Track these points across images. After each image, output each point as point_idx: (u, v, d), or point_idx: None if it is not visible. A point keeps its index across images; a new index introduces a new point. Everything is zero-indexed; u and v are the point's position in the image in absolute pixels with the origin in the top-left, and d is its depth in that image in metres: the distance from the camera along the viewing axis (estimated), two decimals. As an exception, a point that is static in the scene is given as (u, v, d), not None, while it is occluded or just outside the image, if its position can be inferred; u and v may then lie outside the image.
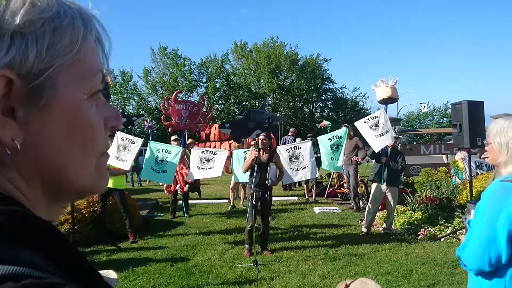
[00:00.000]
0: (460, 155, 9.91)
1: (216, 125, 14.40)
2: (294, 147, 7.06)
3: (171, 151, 7.39)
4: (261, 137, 6.03)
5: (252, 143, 6.09)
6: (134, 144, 6.95)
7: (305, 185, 10.85)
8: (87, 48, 0.49)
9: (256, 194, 5.78)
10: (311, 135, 11.53)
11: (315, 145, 7.82)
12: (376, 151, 6.78)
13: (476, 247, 1.74)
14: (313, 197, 10.53)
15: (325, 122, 10.72)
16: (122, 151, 6.86)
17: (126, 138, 6.99)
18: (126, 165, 6.85)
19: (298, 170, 6.97)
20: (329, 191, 11.04)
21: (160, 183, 9.51)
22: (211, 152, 7.40)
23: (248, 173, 6.08)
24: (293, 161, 6.95)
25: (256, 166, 5.86)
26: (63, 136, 0.47)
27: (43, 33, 0.44)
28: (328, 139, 7.00)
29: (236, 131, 7.64)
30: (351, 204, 9.36)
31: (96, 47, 0.52)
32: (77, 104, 0.48)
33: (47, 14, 0.45)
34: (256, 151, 5.86)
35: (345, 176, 10.16)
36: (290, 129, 12.62)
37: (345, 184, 10.22)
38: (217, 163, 7.22)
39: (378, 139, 6.62)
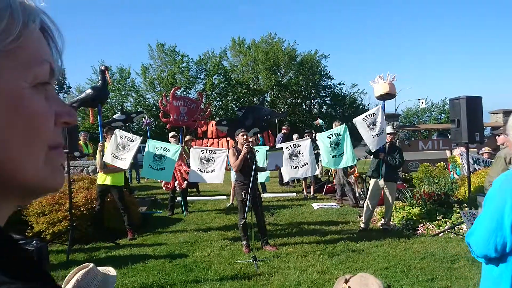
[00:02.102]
0: (458, 151, 9.93)
1: (213, 122, 14.40)
2: (293, 145, 7.07)
3: (170, 149, 7.37)
4: (243, 133, 6.07)
5: (242, 138, 6.08)
6: (133, 143, 6.92)
7: (303, 181, 10.86)
8: (28, 36, 0.47)
9: (246, 190, 5.79)
10: (309, 131, 11.51)
11: (314, 141, 7.83)
12: (373, 150, 6.79)
13: (483, 233, 1.80)
14: (312, 193, 10.55)
15: (319, 121, 10.75)
16: (121, 150, 6.83)
17: (125, 137, 6.96)
18: (125, 164, 6.83)
19: (298, 168, 6.99)
20: (327, 187, 11.05)
21: (159, 180, 9.50)
22: (210, 151, 7.36)
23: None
24: (293, 159, 6.96)
25: (244, 163, 5.92)
26: (2, 124, 0.44)
27: None
28: (327, 137, 7.00)
29: (233, 129, 7.63)
30: (350, 200, 9.37)
31: (44, 38, 0.50)
32: (18, 91, 0.46)
33: None
34: (247, 146, 5.88)
35: (333, 170, 10.15)
36: (283, 127, 12.55)
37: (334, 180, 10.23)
38: (217, 164, 7.18)
39: (375, 138, 6.63)
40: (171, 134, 9.15)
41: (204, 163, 7.21)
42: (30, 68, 0.47)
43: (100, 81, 7.61)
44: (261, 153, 6.82)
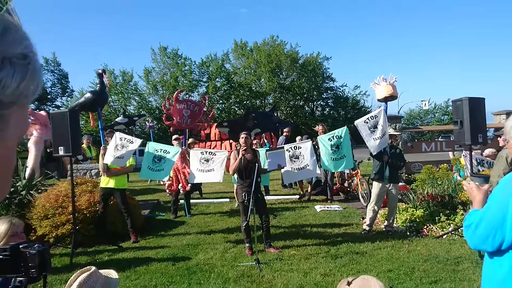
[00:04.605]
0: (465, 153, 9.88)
1: (216, 124, 14.42)
2: (294, 146, 7.04)
3: (170, 151, 7.39)
4: (243, 136, 6.06)
5: (241, 141, 6.07)
6: (132, 144, 6.93)
7: (303, 183, 10.83)
8: None
9: (247, 193, 5.78)
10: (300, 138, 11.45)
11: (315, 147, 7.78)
12: (374, 154, 6.77)
13: (483, 227, 1.83)
14: (301, 193, 10.52)
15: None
16: (119, 150, 6.85)
17: (125, 138, 6.97)
18: (123, 162, 6.83)
19: (299, 170, 6.96)
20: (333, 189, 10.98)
21: (162, 182, 9.51)
22: (210, 153, 7.37)
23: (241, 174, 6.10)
24: (294, 161, 6.93)
25: (243, 166, 5.91)
26: None
27: (26, 69, 0.44)
28: (328, 139, 6.98)
29: (234, 130, 7.62)
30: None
31: None
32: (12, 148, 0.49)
33: (34, 52, 0.45)
34: (243, 150, 5.87)
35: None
36: (284, 129, 12.52)
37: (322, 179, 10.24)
38: (216, 164, 7.17)
39: (376, 141, 6.60)
40: (174, 137, 9.17)
41: (203, 163, 7.21)
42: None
43: (98, 85, 7.62)
44: (261, 155, 6.81)
